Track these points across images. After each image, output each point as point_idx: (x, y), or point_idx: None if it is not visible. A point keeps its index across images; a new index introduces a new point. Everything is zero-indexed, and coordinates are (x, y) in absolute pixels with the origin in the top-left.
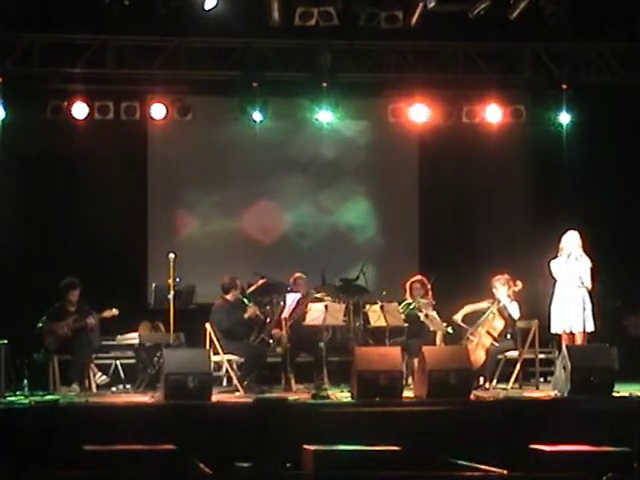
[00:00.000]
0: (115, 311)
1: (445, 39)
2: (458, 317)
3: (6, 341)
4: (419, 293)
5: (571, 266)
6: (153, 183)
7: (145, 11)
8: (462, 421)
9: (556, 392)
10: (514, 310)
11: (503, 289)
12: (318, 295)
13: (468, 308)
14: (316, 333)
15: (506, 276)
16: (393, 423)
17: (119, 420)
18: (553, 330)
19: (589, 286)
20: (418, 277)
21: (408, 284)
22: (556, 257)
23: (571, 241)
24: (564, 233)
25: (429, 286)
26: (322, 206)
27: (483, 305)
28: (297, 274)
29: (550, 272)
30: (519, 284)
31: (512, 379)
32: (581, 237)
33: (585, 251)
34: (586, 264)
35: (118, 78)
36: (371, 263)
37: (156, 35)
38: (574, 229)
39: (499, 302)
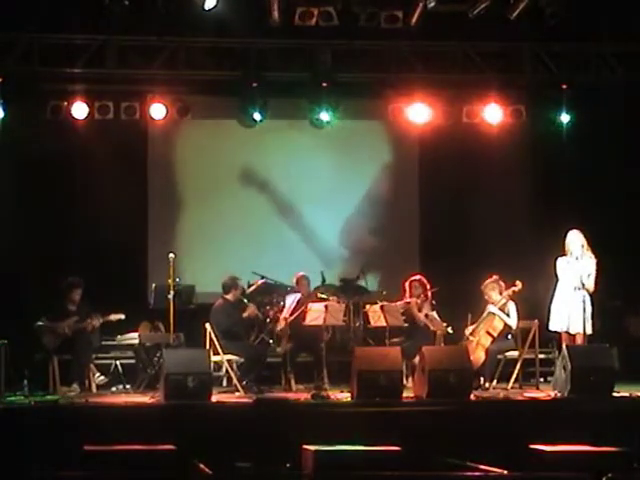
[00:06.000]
0: (122, 315)
1: (445, 39)
2: (468, 331)
3: (6, 341)
4: (418, 292)
5: (574, 266)
6: (153, 183)
7: (145, 11)
8: (462, 421)
9: (556, 392)
10: (512, 311)
11: (495, 293)
12: (324, 296)
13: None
14: (316, 333)
15: (494, 277)
16: (393, 423)
17: (119, 420)
18: (551, 327)
19: (590, 288)
20: (418, 277)
21: (407, 283)
22: (562, 255)
23: (572, 240)
24: (566, 233)
25: (428, 286)
26: (322, 205)
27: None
28: (300, 274)
29: (555, 269)
30: (519, 284)
31: (512, 379)
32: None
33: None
34: (588, 264)
35: (118, 78)
36: (371, 263)
37: (156, 35)
38: (576, 228)
39: (501, 302)
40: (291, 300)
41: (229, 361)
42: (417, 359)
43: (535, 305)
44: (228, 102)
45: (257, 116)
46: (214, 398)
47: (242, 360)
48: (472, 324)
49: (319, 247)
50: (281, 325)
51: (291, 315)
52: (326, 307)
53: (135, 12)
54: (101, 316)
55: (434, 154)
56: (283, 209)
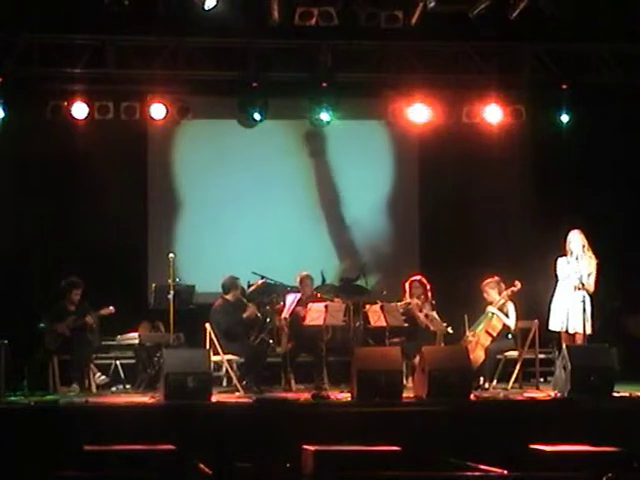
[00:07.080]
0: (112, 309)
1: (445, 39)
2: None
3: (6, 341)
4: (418, 292)
5: (574, 266)
6: (153, 183)
7: (145, 11)
8: (462, 421)
9: (556, 392)
10: (510, 311)
11: (494, 292)
12: (326, 296)
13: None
14: (316, 333)
15: (496, 278)
16: (393, 423)
17: (119, 420)
18: (551, 327)
19: (590, 288)
20: (418, 277)
21: (407, 283)
22: (562, 255)
23: (573, 240)
24: (566, 233)
25: (428, 286)
26: (321, 205)
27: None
28: (304, 273)
29: (555, 269)
30: (518, 284)
31: (512, 379)
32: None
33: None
34: (588, 264)
35: (118, 78)
36: (371, 263)
37: (156, 35)
38: (576, 228)
39: (500, 302)
40: (291, 300)
41: (229, 361)
42: (417, 359)
43: (535, 305)
44: (228, 102)
45: (257, 116)
46: (214, 398)
47: (242, 360)
48: (469, 326)
49: (318, 247)
50: (279, 323)
51: (290, 314)
52: (326, 307)
53: (135, 12)
54: (94, 313)
55: (434, 154)
56: (282, 209)
